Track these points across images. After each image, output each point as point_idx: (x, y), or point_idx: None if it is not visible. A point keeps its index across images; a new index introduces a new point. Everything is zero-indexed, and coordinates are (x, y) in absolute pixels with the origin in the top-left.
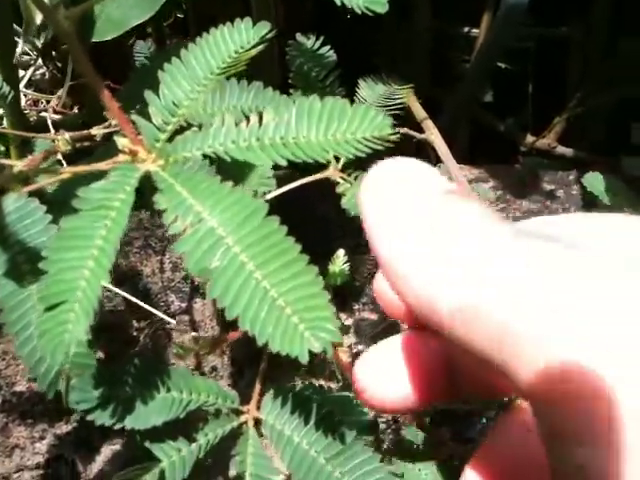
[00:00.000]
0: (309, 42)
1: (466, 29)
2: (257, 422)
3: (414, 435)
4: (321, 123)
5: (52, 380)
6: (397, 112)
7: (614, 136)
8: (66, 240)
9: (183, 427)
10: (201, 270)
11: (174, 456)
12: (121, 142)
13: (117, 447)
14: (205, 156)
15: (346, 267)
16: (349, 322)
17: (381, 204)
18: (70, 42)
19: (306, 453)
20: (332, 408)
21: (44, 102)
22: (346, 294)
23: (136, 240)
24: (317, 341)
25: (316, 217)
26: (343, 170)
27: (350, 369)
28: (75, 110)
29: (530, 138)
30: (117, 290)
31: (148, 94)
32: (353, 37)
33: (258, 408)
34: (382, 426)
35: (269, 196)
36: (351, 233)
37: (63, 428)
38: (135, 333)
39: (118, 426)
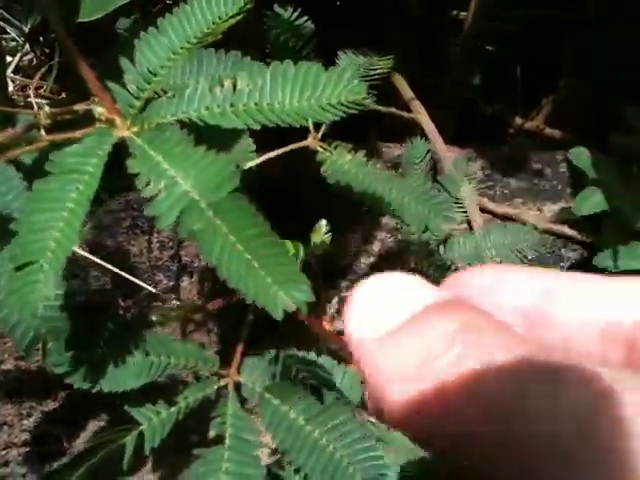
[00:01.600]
0: (286, 13)
1: (454, 12)
2: (238, 386)
3: None
4: (295, 88)
5: (29, 343)
6: (377, 83)
7: (602, 118)
8: (37, 202)
9: (164, 390)
10: (189, 233)
11: (154, 419)
12: (98, 111)
13: (103, 423)
14: (180, 122)
15: (328, 237)
16: (335, 299)
17: (368, 327)
18: (48, 14)
19: (285, 414)
20: (312, 372)
21: (31, 88)
22: (333, 271)
23: (124, 220)
24: (290, 299)
25: (305, 196)
26: (323, 139)
27: (333, 337)
28: (63, 95)
29: (519, 120)
30: (104, 263)
31: (124, 62)
32: (340, 16)
33: (239, 372)
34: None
35: (250, 164)
36: (338, 211)
37: (50, 405)
38: (122, 312)
39: (95, 389)
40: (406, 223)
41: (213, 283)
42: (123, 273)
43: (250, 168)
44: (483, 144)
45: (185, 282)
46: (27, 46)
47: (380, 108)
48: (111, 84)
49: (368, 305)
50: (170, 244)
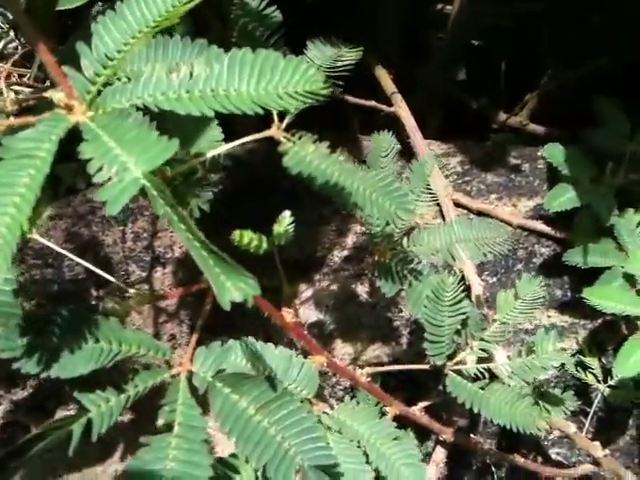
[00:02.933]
0: (254, 2)
1: (439, 5)
2: (190, 375)
3: (364, 398)
4: (253, 75)
5: None
6: (361, 77)
7: (585, 113)
8: None
9: (113, 377)
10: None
11: (102, 406)
12: (56, 97)
13: (71, 412)
14: (136, 108)
15: (291, 228)
16: (309, 292)
17: None
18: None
19: (235, 403)
20: (262, 362)
21: (16, 75)
22: (307, 264)
23: (99, 210)
24: (237, 291)
25: (281, 190)
26: (287, 129)
27: (293, 329)
28: (47, 83)
29: (503, 116)
30: (76, 258)
31: (80, 46)
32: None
33: (192, 361)
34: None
35: (213, 152)
36: (313, 205)
37: (19, 394)
38: (94, 302)
39: (44, 375)
40: (368, 215)
41: (186, 274)
42: (92, 267)
43: (218, 158)
44: (466, 139)
45: (158, 273)
46: (11, 33)
47: (361, 101)
48: (67, 69)
49: None
50: (144, 235)
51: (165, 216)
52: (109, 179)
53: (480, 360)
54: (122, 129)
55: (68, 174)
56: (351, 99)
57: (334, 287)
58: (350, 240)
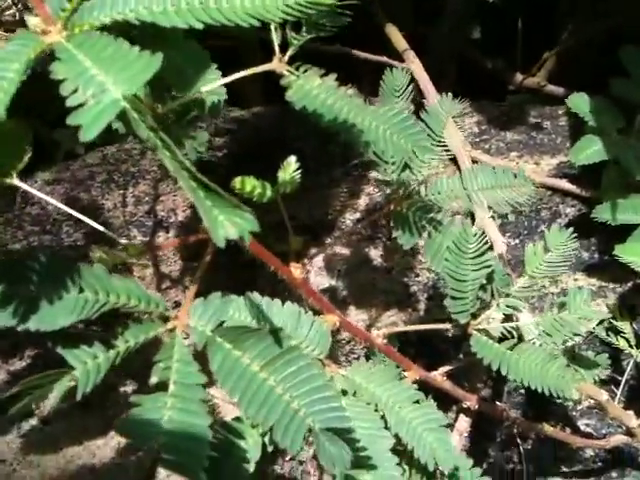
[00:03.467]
0: None
1: None
2: (187, 330)
3: (380, 362)
4: None
5: None
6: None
7: (606, 73)
8: None
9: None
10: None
11: (89, 363)
12: (32, 22)
13: (71, 384)
14: (116, 23)
15: (297, 175)
16: (320, 257)
17: None
18: None
19: (237, 360)
20: (271, 319)
21: None
22: (317, 229)
23: (98, 175)
24: (233, 226)
25: (289, 154)
26: (290, 63)
27: (301, 284)
28: None
29: (519, 76)
30: (79, 215)
31: None
32: None
33: (188, 316)
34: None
35: (210, 86)
36: (322, 168)
37: (17, 364)
38: None
39: (21, 327)
40: (379, 156)
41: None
42: (95, 224)
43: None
44: (481, 100)
45: (161, 238)
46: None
47: (371, 57)
48: None
49: None
50: (146, 199)
51: (148, 141)
52: (85, 102)
53: (506, 319)
54: (99, 47)
55: (66, 139)
56: (361, 54)
57: (346, 251)
58: (362, 202)
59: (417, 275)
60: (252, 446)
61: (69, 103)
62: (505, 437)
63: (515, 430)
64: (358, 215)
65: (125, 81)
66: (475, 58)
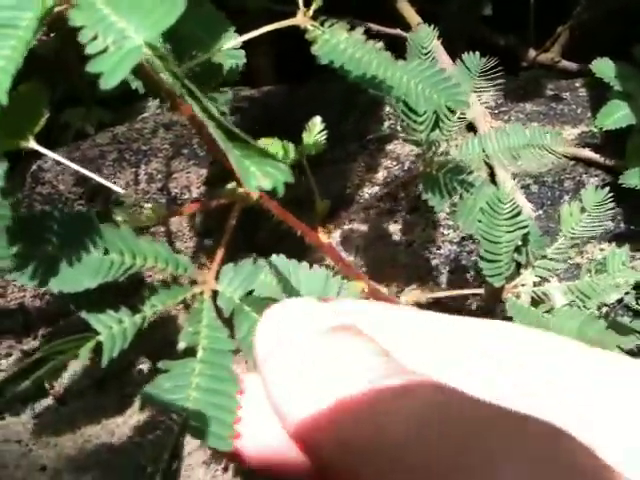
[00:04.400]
0: None
1: None
2: (215, 295)
3: None
4: None
5: None
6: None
7: (621, 48)
8: None
9: (128, 297)
10: None
11: (114, 327)
12: None
13: (87, 362)
14: None
15: (322, 137)
16: (338, 233)
17: (272, 344)
18: None
19: None
20: (298, 282)
21: None
22: (334, 204)
23: (109, 154)
24: (265, 177)
25: (300, 131)
26: (314, 18)
27: (328, 249)
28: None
29: (532, 52)
30: (97, 177)
31: None
32: None
33: (217, 280)
34: None
35: (230, 43)
36: (337, 142)
37: (31, 344)
38: None
39: (43, 288)
40: (408, 115)
41: (205, 214)
42: (114, 186)
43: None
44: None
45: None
46: None
47: (385, 29)
48: None
49: (275, 330)
50: (159, 176)
51: (174, 88)
52: (105, 49)
53: (540, 283)
54: None
55: (76, 119)
56: (375, 27)
57: (365, 226)
58: (380, 176)
59: (439, 248)
60: None
61: (89, 50)
62: None
63: None
64: (376, 189)
65: (147, 27)
66: (486, 35)
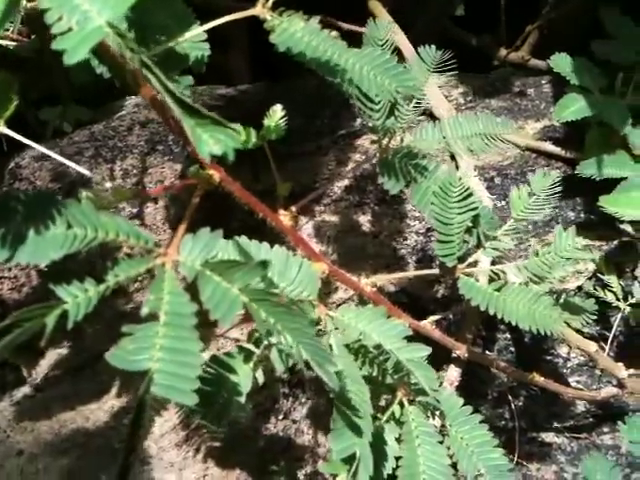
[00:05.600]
0: None
1: None
2: (176, 265)
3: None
4: None
5: None
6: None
7: (587, 45)
8: None
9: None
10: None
11: (80, 296)
12: None
13: (63, 351)
14: None
15: (282, 122)
16: (309, 224)
17: None
18: None
19: (227, 291)
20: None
21: None
22: (306, 195)
23: (86, 150)
24: (216, 143)
25: None
26: (273, 9)
27: (290, 232)
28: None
29: (503, 51)
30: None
31: None
32: None
33: (177, 252)
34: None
35: (189, 34)
36: (313, 137)
37: None
38: None
39: (14, 262)
40: (364, 102)
41: (178, 208)
42: (83, 170)
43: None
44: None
45: (150, 208)
46: None
47: (355, 28)
48: None
49: None
50: (134, 172)
51: (132, 63)
52: (69, 29)
53: (494, 263)
54: None
55: (53, 117)
56: (345, 26)
57: (335, 218)
58: (350, 169)
59: (405, 239)
60: (243, 379)
61: (54, 31)
62: (496, 394)
63: (506, 385)
64: (346, 182)
65: (109, 8)
66: (458, 35)
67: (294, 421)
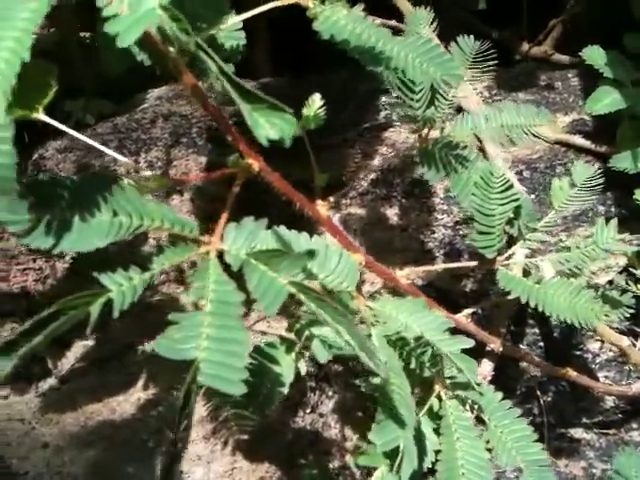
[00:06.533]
0: None
1: None
2: (221, 254)
3: None
4: None
5: None
6: None
7: (613, 39)
8: None
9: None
10: None
11: (124, 284)
12: None
13: (89, 343)
14: None
15: (321, 112)
16: (336, 217)
17: None
18: None
19: (273, 280)
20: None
21: None
22: (332, 189)
23: (110, 142)
24: (272, 128)
25: None
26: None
27: (327, 222)
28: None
29: (525, 46)
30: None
31: None
32: None
33: (221, 240)
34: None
35: (231, 21)
36: (339, 130)
37: None
38: None
39: (57, 250)
40: (405, 92)
41: (204, 200)
42: (118, 155)
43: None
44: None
45: (175, 200)
46: None
47: (379, 20)
48: None
49: None
50: (159, 164)
51: (187, 47)
52: (120, 12)
53: (532, 256)
54: None
55: (77, 109)
56: (369, 17)
57: (362, 211)
58: (377, 162)
59: (433, 232)
60: (286, 370)
61: (104, 14)
62: (525, 390)
63: (535, 380)
64: (373, 175)
65: None
66: (481, 29)
67: (321, 415)
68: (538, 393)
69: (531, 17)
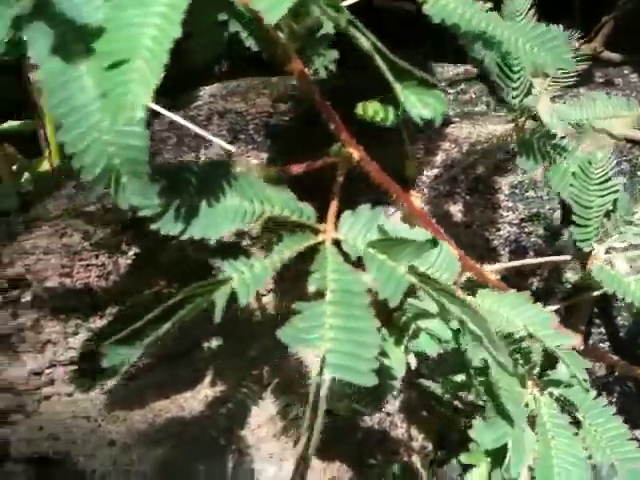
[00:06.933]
0: None
1: None
2: (336, 242)
3: None
4: None
5: (100, 173)
6: None
7: None
8: None
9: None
10: None
11: (246, 273)
12: None
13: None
14: None
15: None
16: (397, 214)
17: None
18: None
19: (393, 270)
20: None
21: None
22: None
23: (168, 139)
24: (425, 107)
25: None
26: None
27: (421, 214)
28: None
29: (575, 43)
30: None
31: None
32: None
33: (335, 229)
34: None
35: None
36: (397, 124)
37: (97, 323)
38: None
39: (186, 235)
40: (504, 80)
41: None
42: (211, 136)
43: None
44: None
45: None
46: None
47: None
48: None
49: None
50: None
51: (337, 22)
52: None
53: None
54: None
55: None
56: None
57: (425, 207)
58: (439, 158)
59: (498, 229)
60: (396, 363)
61: None
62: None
63: (600, 381)
64: (435, 171)
65: None
66: None
67: (388, 414)
68: (603, 394)
69: (582, 13)
